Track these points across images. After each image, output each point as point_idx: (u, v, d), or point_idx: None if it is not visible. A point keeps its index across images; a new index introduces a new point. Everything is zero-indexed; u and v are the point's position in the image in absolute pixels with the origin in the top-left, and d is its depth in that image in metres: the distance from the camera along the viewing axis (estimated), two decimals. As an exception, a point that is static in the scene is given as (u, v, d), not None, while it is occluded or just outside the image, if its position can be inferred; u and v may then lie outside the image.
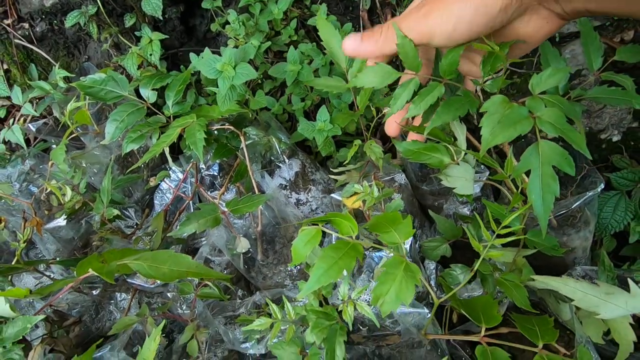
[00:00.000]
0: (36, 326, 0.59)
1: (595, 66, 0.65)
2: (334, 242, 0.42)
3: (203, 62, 0.64)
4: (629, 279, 0.43)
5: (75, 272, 0.50)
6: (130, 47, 0.99)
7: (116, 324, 0.54)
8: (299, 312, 0.49)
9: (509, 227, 0.41)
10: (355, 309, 0.42)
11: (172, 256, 0.49)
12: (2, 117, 1.07)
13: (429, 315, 0.49)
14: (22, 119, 0.99)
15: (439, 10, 0.35)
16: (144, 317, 0.56)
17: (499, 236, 0.40)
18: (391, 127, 0.48)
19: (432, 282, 0.63)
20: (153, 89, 0.76)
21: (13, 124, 0.88)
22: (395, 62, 0.62)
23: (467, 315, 0.46)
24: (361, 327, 0.59)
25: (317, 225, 0.42)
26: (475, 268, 0.43)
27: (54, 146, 1.03)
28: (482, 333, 0.44)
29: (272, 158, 0.79)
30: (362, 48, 0.40)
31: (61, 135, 1.08)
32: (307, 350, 0.44)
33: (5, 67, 1.15)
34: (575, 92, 0.64)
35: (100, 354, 0.51)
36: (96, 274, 0.41)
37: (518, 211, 0.40)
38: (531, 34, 0.37)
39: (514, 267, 0.52)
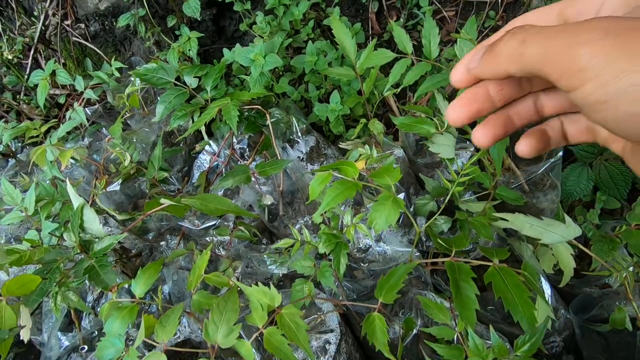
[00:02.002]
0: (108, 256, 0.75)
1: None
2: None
3: (239, 53, 0.79)
4: (565, 215, 0.56)
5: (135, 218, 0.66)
6: (170, 44, 1.15)
7: (171, 254, 0.70)
8: (315, 245, 0.63)
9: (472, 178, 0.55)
10: (355, 231, 0.56)
11: (217, 198, 0.64)
12: (62, 102, 1.25)
13: (413, 247, 0.63)
14: (81, 103, 1.16)
15: None
16: (191, 251, 0.71)
17: (463, 175, 0.54)
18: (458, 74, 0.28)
19: (422, 233, 0.76)
20: (195, 77, 0.92)
21: (75, 107, 1.05)
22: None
23: (443, 245, 0.60)
24: (362, 264, 0.73)
25: (328, 171, 0.57)
26: (446, 201, 0.57)
27: (104, 129, 1.21)
28: (452, 254, 0.57)
29: (291, 137, 0.94)
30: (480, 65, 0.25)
31: (109, 119, 1.26)
32: (319, 266, 0.58)
33: (62, 61, 1.33)
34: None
35: (160, 272, 0.66)
36: (171, 203, 0.57)
37: (476, 155, 0.53)
38: None
39: (483, 214, 0.66)
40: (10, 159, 1.06)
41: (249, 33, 1.27)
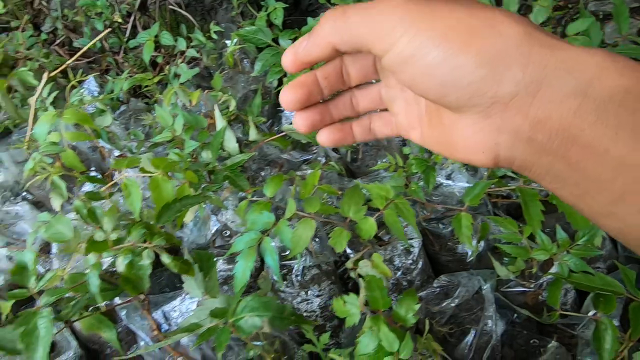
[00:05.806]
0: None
1: (624, 30, 0.87)
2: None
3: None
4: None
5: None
6: (252, 14, 1.31)
7: (277, 178, 0.86)
8: (407, 168, 0.77)
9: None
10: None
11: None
12: (158, 62, 1.44)
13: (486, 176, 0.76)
14: (183, 60, 1.34)
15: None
16: (292, 177, 0.87)
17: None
18: (288, 59, 0.28)
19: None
20: (289, 39, 1.07)
21: (178, 63, 1.23)
22: None
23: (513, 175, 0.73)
24: (434, 198, 0.87)
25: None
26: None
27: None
28: (522, 182, 0.70)
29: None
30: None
31: (201, 81, 1.44)
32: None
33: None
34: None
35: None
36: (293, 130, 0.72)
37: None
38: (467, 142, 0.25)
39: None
40: (122, 106, 1.25)
41: (325, 6, 1.40)
